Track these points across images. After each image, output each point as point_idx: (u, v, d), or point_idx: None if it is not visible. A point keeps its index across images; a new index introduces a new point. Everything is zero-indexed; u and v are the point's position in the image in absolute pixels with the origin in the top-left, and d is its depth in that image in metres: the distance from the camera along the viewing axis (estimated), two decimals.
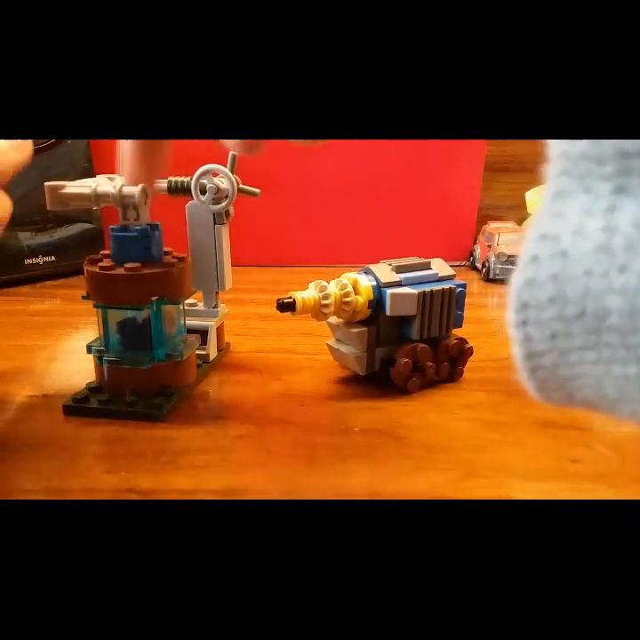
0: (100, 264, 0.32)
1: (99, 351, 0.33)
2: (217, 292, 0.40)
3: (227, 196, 0.36)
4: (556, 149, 0.11)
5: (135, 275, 0.31)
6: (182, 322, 0.35)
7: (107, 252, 0.33)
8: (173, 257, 0.34)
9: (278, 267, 0.72)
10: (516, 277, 0.11)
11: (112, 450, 0.28)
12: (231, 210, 0.39)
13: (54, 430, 0.30)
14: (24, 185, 0.63)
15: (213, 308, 0.40)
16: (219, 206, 0.36)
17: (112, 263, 0.32)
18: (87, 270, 0.32)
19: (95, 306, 0.32)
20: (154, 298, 0.32)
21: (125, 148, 0.29)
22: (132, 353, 0.33)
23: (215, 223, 0.38)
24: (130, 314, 0.33)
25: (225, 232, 0.39)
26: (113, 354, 0.33)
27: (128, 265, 0.31)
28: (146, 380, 0.33)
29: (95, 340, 0.33)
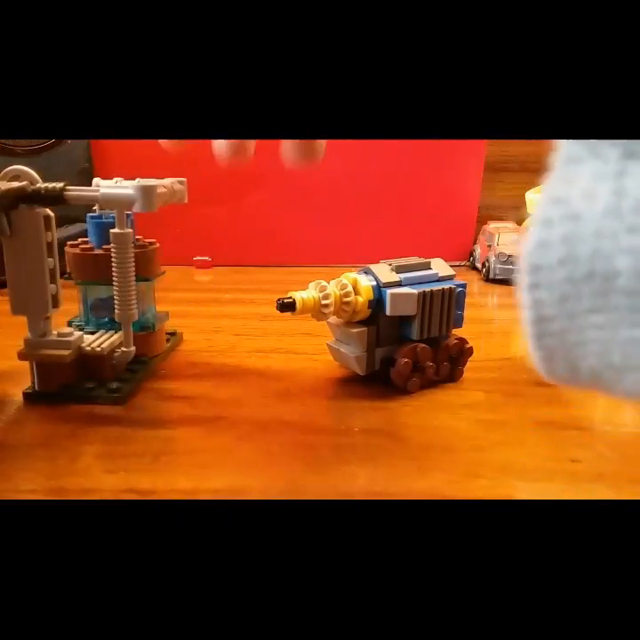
0: (82, 246, 0.37)
1: (79, 326, 0.37)
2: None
3: None
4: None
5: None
6: (153, 298, 0.40)
7: (85, 239, 0.38)
8: (144, 241, 0.39)
9: (278, 267, 0.72)
10: (529, 240, 0.11)
11: (112, 450, 0.28)
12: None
13: (54, 430, 0.30)
14: None
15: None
16: None
17: (91, 245, 0.37)
18: (69, 252, 0.37)
19: (76, 283, 0.37)
20: None
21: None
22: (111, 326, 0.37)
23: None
24: (107, 291, 0.36)
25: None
26: (92, 327, 0.38)
27: (105, 246, 0.36)
28: None
29: (76, 316, 0.38)
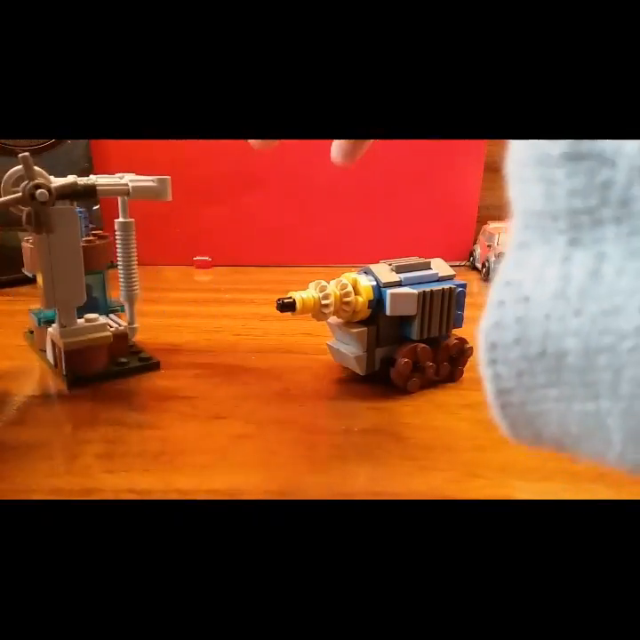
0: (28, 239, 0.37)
1: (44, 317, 0.38)
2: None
3: None
4: (518, 206, 0.12)
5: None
6: (105, 290, 0.41)
7: None
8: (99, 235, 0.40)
9: (278, 267, 0.72)
10: (485, 320, 0.12)
11: (112, 450, 0.28)
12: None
13: (54, 430, 0.30)
14: None
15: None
16: None
17: None
18: (25, 247, 0.37)
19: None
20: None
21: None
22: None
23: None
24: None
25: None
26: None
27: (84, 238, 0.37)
28: None
29: (36, 308, 0.39)
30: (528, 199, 0.11)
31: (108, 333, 0.37)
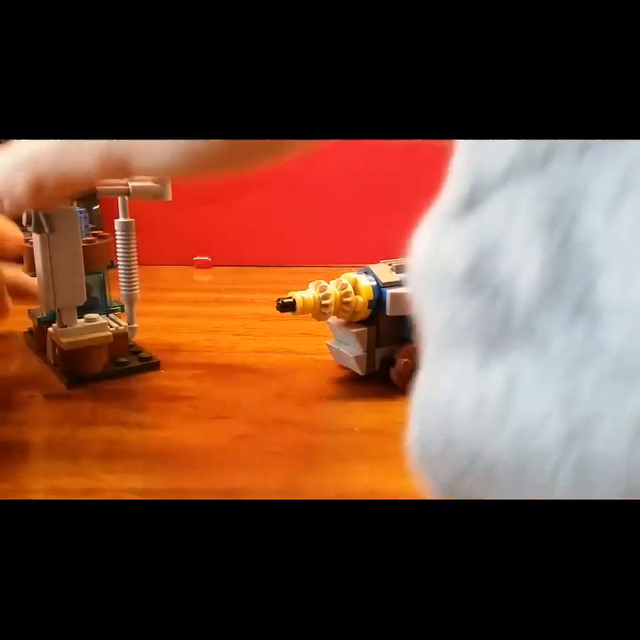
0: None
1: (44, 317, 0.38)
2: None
3: None
4: (425, 322, 0.12)
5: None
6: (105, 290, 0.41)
7: None
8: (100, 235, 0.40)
9: (278, 267, 0.72)
10: (410, 434, 0.12)
11: (112, 450, 0.28)
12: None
13: (54, 430, 0.30)
14: None
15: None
16: None
17: None
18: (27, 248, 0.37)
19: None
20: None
21: None
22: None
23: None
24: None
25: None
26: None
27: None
28: None
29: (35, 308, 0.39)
30: (434, 319, 0.11)
31: (109, 333, 0.37)
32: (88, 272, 0.36)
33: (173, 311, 0.51)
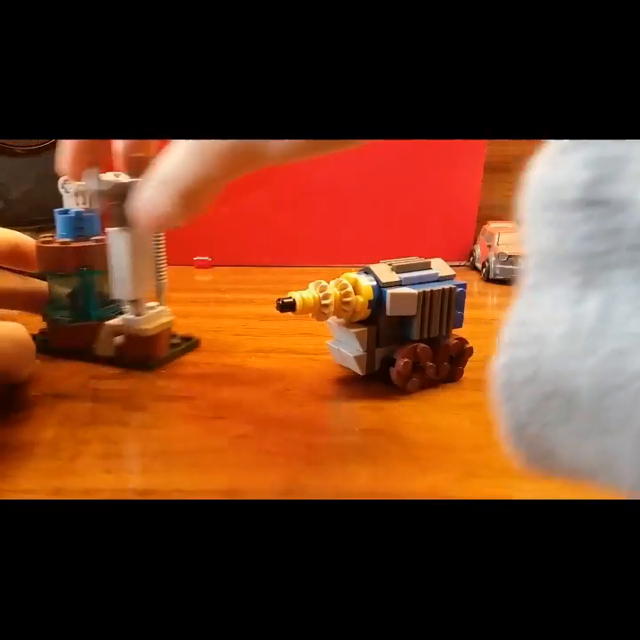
0: (43, 238, 0.39)
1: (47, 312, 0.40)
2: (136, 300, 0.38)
3: None
4: (531, 247, 0.12)
5: (65, 248, 0.38)
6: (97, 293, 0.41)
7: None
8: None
9: (278, 267, 0.72)
10: (498, 359, 0.12)
11: (112, 450, 0.28)
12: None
13: (54, 430, 0.30)
14: (24, 185, 0.63)
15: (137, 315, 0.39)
16: None
17: (53, 238, 0.39)
18: (42, 248, 0.39)
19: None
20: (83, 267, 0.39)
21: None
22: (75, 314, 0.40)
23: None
24: (72, 282, 0.39)
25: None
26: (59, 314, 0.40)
27: (61, 240, 0.39)
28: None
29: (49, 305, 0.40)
30: (541, 242, 0.12)
31: (173, 317, 0.40)
32: (97, 271, 0.37)
33: (173, 311, 0.51)
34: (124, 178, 0.35)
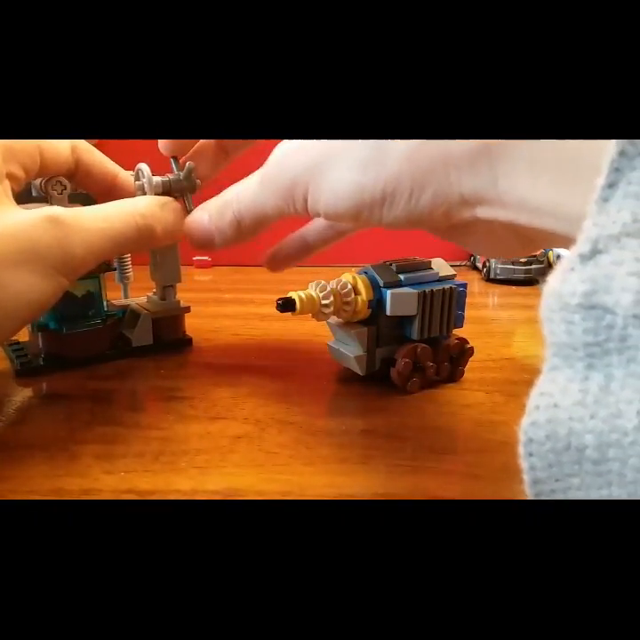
0: None
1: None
2: (167, 287, 0.43)
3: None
4: (549, 339, 0.15)
5: None
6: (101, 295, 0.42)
7: None
8: None
9: None
10: (524, 420, 0.15)
11: (111, 450, 0.28)
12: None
13: (53, 430, 0.30)
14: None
15: (162, 299, 0.43)
16: None
17: None
18: None
19: None
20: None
21: None
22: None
23: None
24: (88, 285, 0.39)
25: None
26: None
27: None
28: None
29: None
30: (556, 335, 0.15)
31: (185, 305, 0.43)
32: (86, 276, 0.36)
33: None
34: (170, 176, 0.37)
